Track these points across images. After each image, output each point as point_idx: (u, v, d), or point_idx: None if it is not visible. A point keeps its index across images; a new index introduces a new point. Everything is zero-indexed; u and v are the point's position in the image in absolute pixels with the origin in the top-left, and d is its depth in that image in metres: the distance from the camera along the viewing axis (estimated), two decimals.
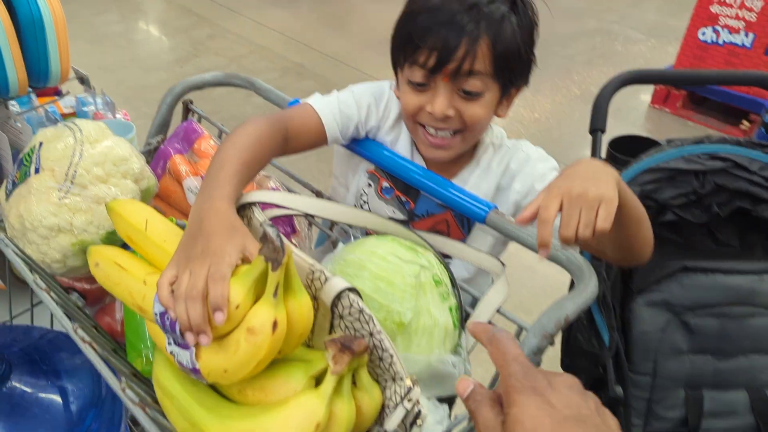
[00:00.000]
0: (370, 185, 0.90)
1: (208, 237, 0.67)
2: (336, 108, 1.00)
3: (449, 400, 0.77)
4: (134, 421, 1.29)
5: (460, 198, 0.89)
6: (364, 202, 1.09)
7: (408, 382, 0.66)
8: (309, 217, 0.97)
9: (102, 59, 4.09)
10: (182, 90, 1.11)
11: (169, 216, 0.95)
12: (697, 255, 1.16)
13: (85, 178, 0.86)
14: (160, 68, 4.06)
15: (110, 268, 0.74)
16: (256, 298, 0.62)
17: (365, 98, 1.04)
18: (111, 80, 3.80)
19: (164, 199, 1.04)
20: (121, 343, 0.88)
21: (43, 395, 0.83)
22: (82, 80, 1.49)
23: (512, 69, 0.93)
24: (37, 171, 0.86)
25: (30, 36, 1.27)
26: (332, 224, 0.95)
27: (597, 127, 1.21)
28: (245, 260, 0.65)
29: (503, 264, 0.81)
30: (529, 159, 1.01)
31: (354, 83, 1.07)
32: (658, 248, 1.18)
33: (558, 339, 0.97)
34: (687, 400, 1.13)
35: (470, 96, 0.92)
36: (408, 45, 0.93)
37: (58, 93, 1.92)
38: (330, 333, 0.70)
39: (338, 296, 0.67)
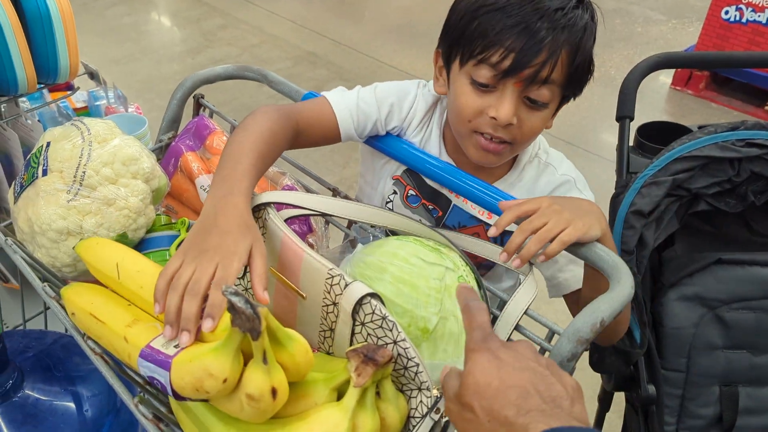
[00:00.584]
0: (395, 192, 0.84)
1: (221, 234, 0.65)
2: (354, 104, 0.95)
3: None
4: None
5: (470, 186, 0.85)
6: (389, 210, 1.02)
7: (435, 392, 0.62)
8: (326, 216, 0.94)
9: (113, 52, 4.07)
10: (193, 84, 1.08)
11: (180, 217, 0.93)
12: (732, 246, 1.11)
13: (93, 179, 0.83)
14: (172, 60, 4.04)
15: (87, 321, 0.67)
16: (246, 357, 0.57)
17: (388, 97, 0.98)
18: (123, 73, 3.78)
19: (176, 198, 1.01)
20: None
21: (57, 403, 0.81)
22: (92, 75, 1.46)
23: (580, 81, 0.88)
24: (45, 173, 0.83)
25: (38, 32, 1.24)
26: (350, 222, 0.92)
27: (625, 114, 1.15)
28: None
29: (531, 263, 0.77)
30: (573, 188, 0.97)
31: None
32: (691, 239, 1.13)
33: None
34: (722, 396, 1.09)
35: (535, 105, 0.86)
36: (478, 41, 0.84)
37: (70, 88, 1.90)
38: (351, 341, 0.67)
39: (359, 302, 0.64)
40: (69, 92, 1.91)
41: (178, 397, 0.57)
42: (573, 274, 0.93)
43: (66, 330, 1.02)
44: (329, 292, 0.66)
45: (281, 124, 0.85)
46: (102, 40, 4.24)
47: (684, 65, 1.24)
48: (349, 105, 0.96)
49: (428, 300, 0.69)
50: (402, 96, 0.99)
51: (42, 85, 1.36)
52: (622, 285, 0.68)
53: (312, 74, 3.81)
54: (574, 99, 0.92)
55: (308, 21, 4.62)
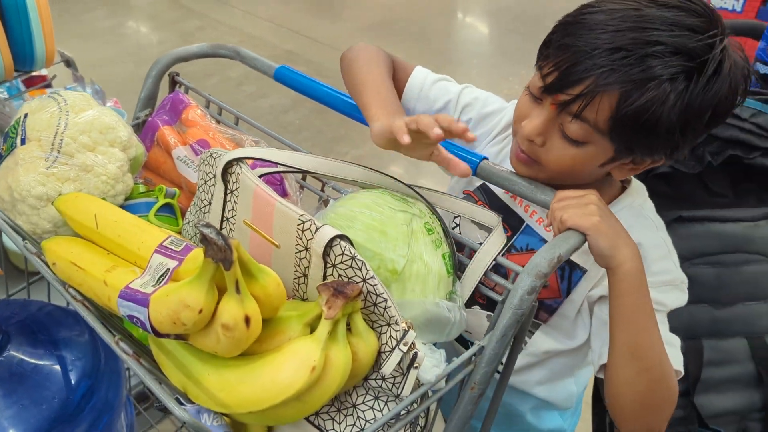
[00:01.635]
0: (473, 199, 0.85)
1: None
2: (432, 79, 1.00)
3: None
4: (140, 398, 1.30)
5: (448, 147, 0.88)
6: (456, 225, 1.01)
7: (403, 326, 0.66)
8: (301, 181, 0.97)
9: (92, 55, 4.06)
10: (168, 62, 1.11)
11: (157, 184, 0.95)
12: (692, 205, 1.15)
13: (71, 146, 0.85)
14: (150, 62, 4.01)
15: (68, 269, 0.71)
16: (220, 290, 0.59)
17: (474, 92, 1.00)
18: (102, 75, 3.75)
19: (154, 171, 1.04)
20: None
21: (41, 364, 0.83)
22: (69, 63, 1.48)
23: (640, 138, 0.78)
24: (23, 142, 0.86)
25: (13, 18, 1.26)
26: (323, 185, 0.95)
27: None
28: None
29: (499, 216, 0.81)
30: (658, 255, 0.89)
31: None
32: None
33: None
34: (686, 350, 1.13)
35: (566, 139, 0.80)
36: (546, 48, 0.82)
37: (48, 86, 1.92)
38: None
39: (329, 244, 0.67)
40: (47, 89, 1.94)
41: (157, 333, 0.60)
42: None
43: (49, 298, 1.04)
44: (301, 238, 0.69)
45: (390, 64, 0.98)
46: (80, 43, 4.24)
47: None
48: (426, 77, 1.00)
49: (396, 244, 0.72)
50: (485, 102, 1.00)
51: (18, 73, 1.38)
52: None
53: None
54: (657, 161, 0.83)
55: (286, 20, 4.65)
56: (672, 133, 0.76)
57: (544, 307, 0.96)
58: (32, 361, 0.83)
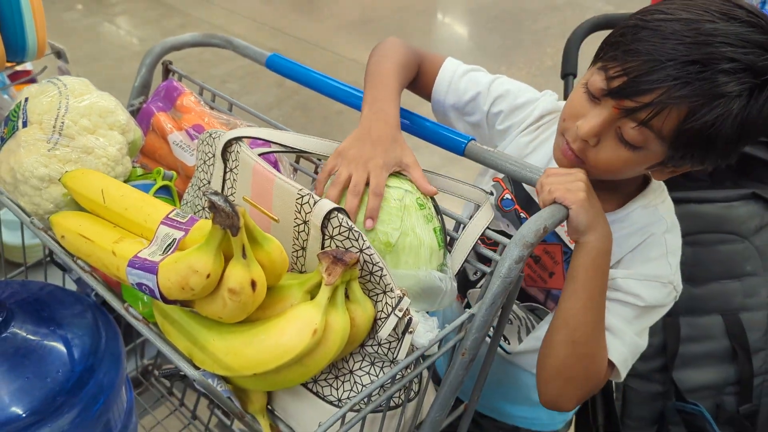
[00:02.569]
0: (492, 193, 0.85)
1: (374, 144, 0.81)
2: (462, 71, 1.01)
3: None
4: (134, 383, 1.32)
5: (437, 129, 0.92)
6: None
7: (398, 293, 0.69)
8: (294, 164, 1.00)
9: (73, 54, 4.02)
10: (161, 51, 1.13)
11: (156, 167, 0.98)
12: (669, 188, 1.20)
13: (72, 129, 0.87)
14: (132, 59, 4.04)
15: (77, 241, 0.74)
16: (227, 257, 0.63)
17: (506, 84, 1.01)
18: (84, 73, 3.70)
19: (150, 156, 1.06)
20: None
21: (44, 341, 0.85)
22: (59, 54, 1.49)
23: (696, 149, 0.78)
24: (24, 125, 0.88)
25: (6, 8, 1.28)
26: (316, 167, 0.98)
27: (568, 71, 1.25)
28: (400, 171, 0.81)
29: (488, 192, 0.84)
30: (661, 229, 0.93)
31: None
32: None
33: None
34: (665, 326, 1.18)
35: (622, 142, 0.80)
36: (611, 48, 0.80)
37: (32, 81, 1.93)
38: None
39: (327, 217, 0.70)
40: (31, 83, 1.94)
41: (165, 300, 0.63)
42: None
43: (45, 278, 1.06)
44: (300, 212, 0.73)
45: (412, 60, 0.99)
46: (61, 41, 4.19)
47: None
48: (456, 69, 1.01)
49: (390, 218, 0.76)
50: (517, 92, 1.01)
51: (10, 65, 1.39)
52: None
53: (262, 82, 3.86)
54: (699, 167, 0.83)
55: (267, 18, 4.66)
56: (728, 146, 0.78)
57: (551, 296, 1.00)
58: (35, 337, 0.85)
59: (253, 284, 0.61)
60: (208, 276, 0.60)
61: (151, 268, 0.62)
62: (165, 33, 4.40)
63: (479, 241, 0.80)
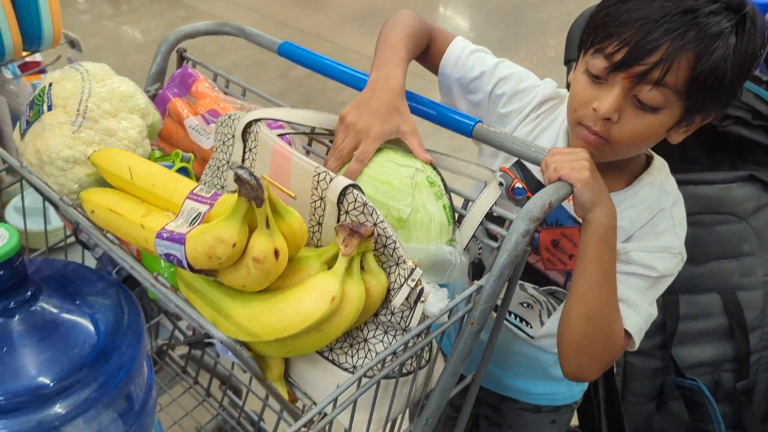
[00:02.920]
0: (501, 184, 0.87)
1: (372, 113, 0.84)
2: (470, 50, 1.04)
3: None
4: (157, 354, 1.36)
5: (445, 111, 0.95)
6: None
7: (410, 264, 0.73)
8: (307, 147, 1.04)
9: None
10: (176, 38, 1.17)
11: (172, 150, 1.02)
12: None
13: (95, 112, 0.91)
14: (136, 52, 4.07)
15: (106, 216, 0.78)
16: (251, 228, 0.66)
17: (510, 68, 1.04)
18: None
19: (167, 141, 1.10)
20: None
21: (70, 316, 0.88)
22: (73, 44, 1.53)
23: (707, 95, 0.83)
24: (50, 108, 0.91)
25: None
26: (328, 150, 1.02)
27: (571, 57, 1.28)
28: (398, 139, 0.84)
29: (494, 171, 0.88)
30: (669, 204, 0.97)
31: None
32: None
33: None
34: (665, 304, 1.22)
35: (643, 107, 0.84)
36: (600, 30, 0.84)
37: (42, 71, 1.97)
38: None
39: (343, 193, 0.74)
40: (41, 74, 1.98)
41: (192, 269, 0.67)
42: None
43: (66, 255, 1.10)
44: (316, 189, 0.76)
45: (423, 31, 1.01)
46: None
47: None
48: (466, 47, 1.04)
49: (401, 194, 0.79)
50: (526, 77, 1.04)
51: (26, 54, 1.43)
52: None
53: (277, 61, 3.87)
54: (707, 119, 0.88)
55: (270, 11, 4.69)
56: (732, 86, 0.83)
57: (570, 277, 1.02)
58: (61, 311, 0.88)
59: (276, 253, 0.65)
60: (234, 245, 0.64)
61: (179, 239, 0.66)
62: (169, 25, 4.42)
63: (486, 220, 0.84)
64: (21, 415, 0.81)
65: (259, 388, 1.26)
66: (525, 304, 1.08)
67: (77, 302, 0.91)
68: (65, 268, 0.96)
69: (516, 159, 1.05)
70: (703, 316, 1.24)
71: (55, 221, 1.47)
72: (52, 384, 0.83)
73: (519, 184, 1.05)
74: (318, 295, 0.68)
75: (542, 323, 1.08)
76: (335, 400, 0.69)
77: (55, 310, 0.88)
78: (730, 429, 1.24)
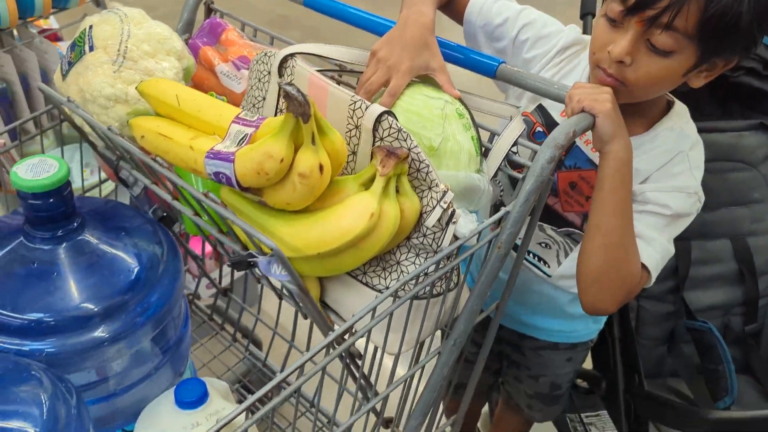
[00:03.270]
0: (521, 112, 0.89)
1: (403, 47, 0.87)
2: None
3: None
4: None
5: (469, 54, 0.98)
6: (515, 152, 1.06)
7: (443, 187, 0.77)
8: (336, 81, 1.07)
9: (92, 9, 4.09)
10: None
11: None
12: None
13: (135, 53, 0.95)
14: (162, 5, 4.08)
15: (156, 140, 0.81)
16: (296, 147, 0.71)
17: (529, 16, 1.05)
18: None
19: (198, 88, 1.12)
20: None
21: (112, 248, 0.93)
22: (98, 3, 1.56)
23: (722, 38, 0.84)
24: (91, 49, 0.95)
25: None
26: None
27: (587, 11, 1.31)
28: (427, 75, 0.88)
29: (517, 107, 0.91)
30: (686, 147, 0.99)
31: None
32: None
33: None
34: (677, 249, 1.26)
35: (656, 51, 0.86)
36: None
37: (59, 39, 2.00)
38: (372, 158, 0.81)
39: (378, 120, 0.78)
40: (57, 41, 2.02)
41: (240, 186, 0.71)
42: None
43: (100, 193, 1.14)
44: (352, 117, 0.80)
45: None
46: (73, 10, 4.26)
47: None
48: None
49: (432, 124, 0.83)
50: (551, 23, 1.06)
51: (55, 10, 1.47)
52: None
53: (286, 36, 3.90)
54: (729, 63, 0.89)
55: None
56: (751, 29, 0.83)
57: (586, 219, 1.05)
58: (105, 242, 0.92)
59: (321, 168, 0.69)
60: (282, 160, 0.68)
61: (228, 158, 0.70)
62: (176, 1, 4.43)
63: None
64: (69, 336, 0.85)
65: (284, 332, 1.31)
66: (543, 244, 1.13)
67: (119, 235, 0.96)
68: (105, 206, 1.00)
69: (537, 104, 1.09)
70: (714, 262, 1.28)
71: (79, 180, 1.51)
72: (96, 308, 0.88)
73: (540, 128, 1.08)
74: (358, 211, 0.72)
75: (559, 263, 1.13)
76: (373, 310, 0.73)
77: (98, 241, 0.92)
78: (738, 371, 1.28)
